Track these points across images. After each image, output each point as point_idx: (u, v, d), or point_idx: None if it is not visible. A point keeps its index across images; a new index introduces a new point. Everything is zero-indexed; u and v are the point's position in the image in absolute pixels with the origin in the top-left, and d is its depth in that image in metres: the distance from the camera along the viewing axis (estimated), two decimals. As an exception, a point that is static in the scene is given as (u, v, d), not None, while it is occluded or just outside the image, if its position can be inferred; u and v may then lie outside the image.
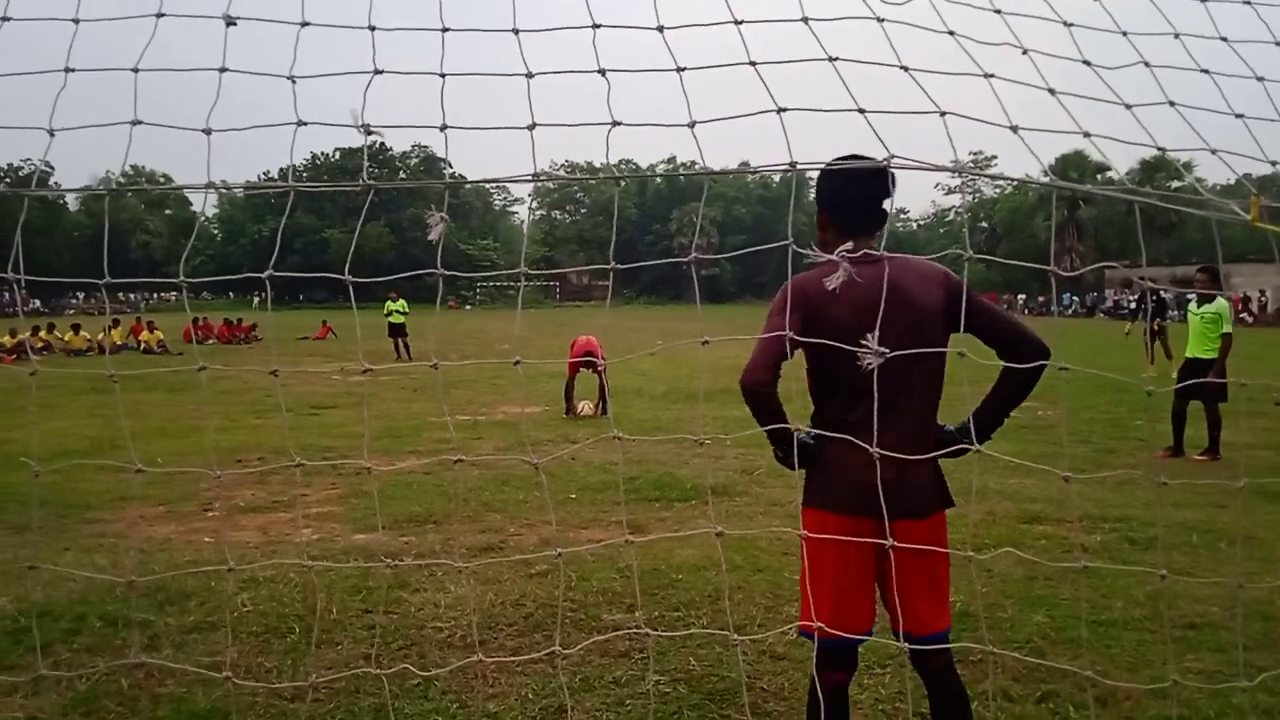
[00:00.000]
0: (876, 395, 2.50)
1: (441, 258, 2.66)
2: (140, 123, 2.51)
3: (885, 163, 2.48)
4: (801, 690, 2.98)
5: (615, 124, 2.45)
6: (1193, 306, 9.98)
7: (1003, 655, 3.98)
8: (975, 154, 76.20)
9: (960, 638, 2.75)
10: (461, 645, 4.45)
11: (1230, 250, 52.01)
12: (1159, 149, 2.62)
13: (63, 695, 3.91)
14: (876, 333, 2.47)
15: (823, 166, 2.71)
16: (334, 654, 4.38)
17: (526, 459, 3.42)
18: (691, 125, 2.48)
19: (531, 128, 2.45)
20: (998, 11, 2.68)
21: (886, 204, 2.78)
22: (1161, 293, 17.84)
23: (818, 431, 2.75)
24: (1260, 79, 2.73)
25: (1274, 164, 2.63)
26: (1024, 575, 5.33)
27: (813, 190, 2.96)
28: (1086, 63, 2.54)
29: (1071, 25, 2.68)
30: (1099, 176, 56.25)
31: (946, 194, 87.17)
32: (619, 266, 2.64)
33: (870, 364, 2.48)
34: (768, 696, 3.92)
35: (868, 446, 2.46)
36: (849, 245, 2.64)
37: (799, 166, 2.38)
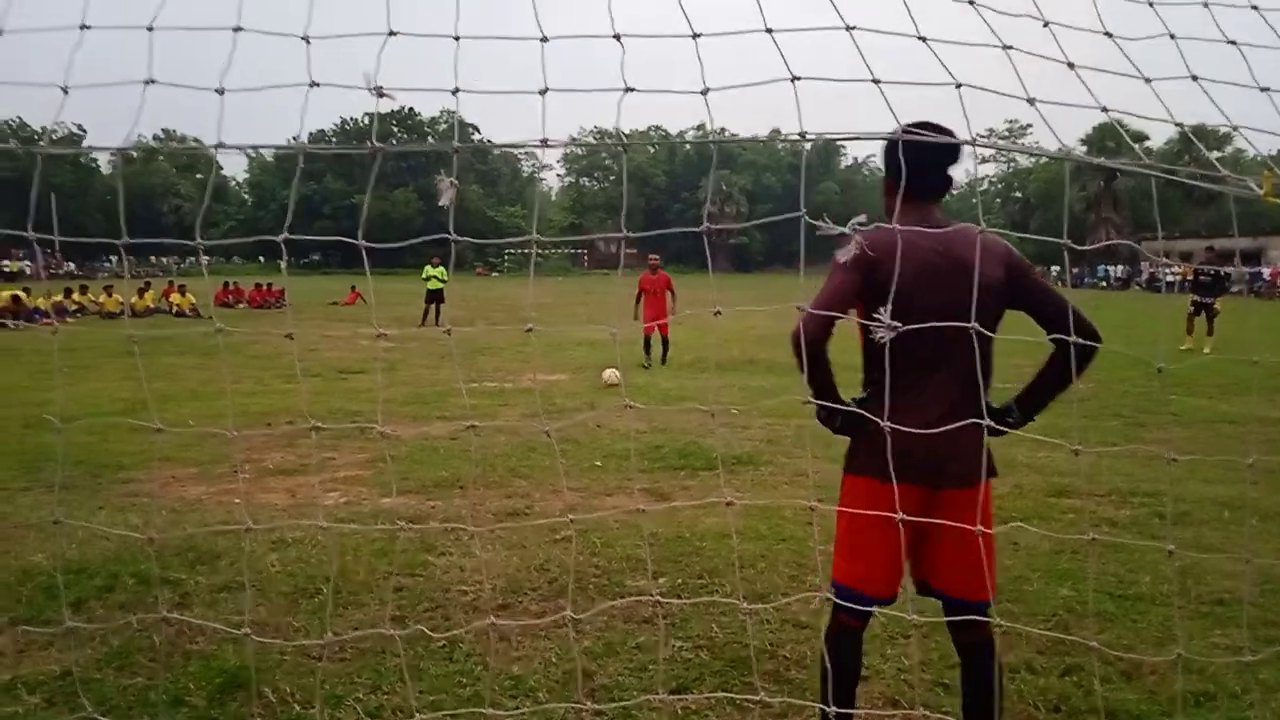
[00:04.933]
0: (920, 365, 2.49)
1: (468, 224, 2.65)
2: (153, 82, 2.50)
3: (897, 134, 2.45)
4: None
5: (628, 90, 2.43)
6: None
7: (1027, 629, 3.96)
8: (1010, 123, 75.27)
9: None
10: (486, 609, 4.49)
11: (1268, 222, 51.05)
12: (1177, 124, 2.57)
13: (96, 650, 3.98)
14: (889, 306, 2.45)
15: (840, 137, 2.67)
16: (361, 615, 4.43)
17: (542, 427, 3.42)
18: (704, 92, 2.45)
19: (543, 92, 2.43)
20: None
21: (952, 170, 2.75)
22: (1219, 269, 17.51)
23: (853, 407, 2.72)
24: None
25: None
26: (1050, 549, 5.29)
27: (842, 159, 2.93)
28: (1108, 34, 2.48)
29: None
30: (1136, 146, 55.35)
31: (980, 163, 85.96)
32: (630, 234, 2.61)
33: (881, 337, 2.46)
34: (789, 664, 3.93)
35: (905, 416, 2.45)
36: (862, 218, 2.60)
37: (809, 137, 2.35)
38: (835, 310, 2.62)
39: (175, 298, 29.11)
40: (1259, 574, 4.79)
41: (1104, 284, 60.38)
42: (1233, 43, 2.67)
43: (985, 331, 2.52)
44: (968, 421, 2.56)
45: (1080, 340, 2.58)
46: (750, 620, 4.28)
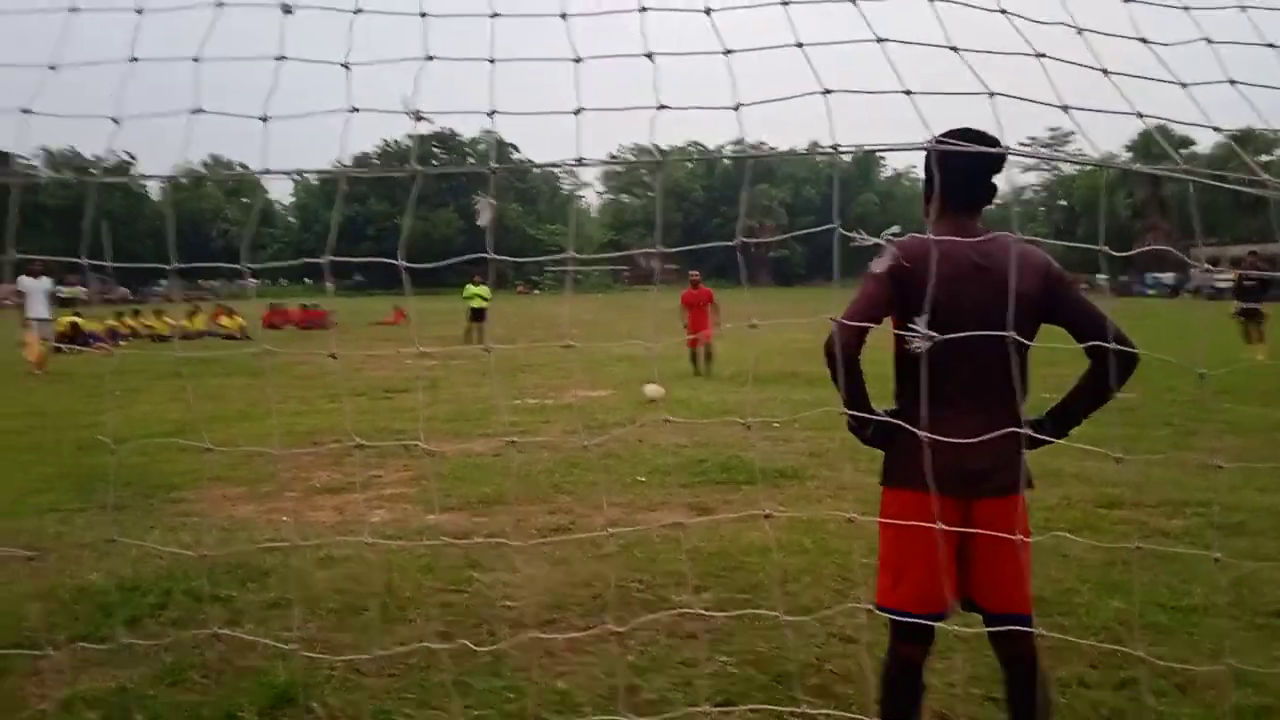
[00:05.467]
0: (957, 376, 2.49)
1: (508, 242, 2.70)
2: (201, 111, 2.58)
3: (930, 144, 2.45)
4: (871, 673, 2.96)
5: (661, 107, 2.46)
6: None
7: (1079, 641, 3.90)
8: (1053, 130, 74.45)
9: (1036, 624, 2.72)
10: (531, 624, 4.51)
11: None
12: (1215, 129, 2.54)
13: (151, 666, 4.06)
14: (926, 315, 2.44)
15: (858, 150, 2.69)
16: (407, 631, 4.48)
17: (583, 442, 3.44)
18: (737, 108, 2.47)
19: (577, 113, 2.47)
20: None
21: (996, 180, 2.73)
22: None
23: (884, 417, 2.71)
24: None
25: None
26: (1100, 560, 5.21)
27: (882, 170, 2.93)
28: (1143, 40, 2.46)
29: (1130, 1, 2.60)
30: (1181, 150, 54.45)
31: (1023, 172, 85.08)
32: (664, 250, 2.64)
33: (917, 347, 2.45)
34: (836, 679, 3.90)
35: (934, 429, 2.43)
36: (895, 229, 2.61)
37: (842, 149, 2.36)
38: (867, 320, 2.62)
39: (224, 320, 29.65)
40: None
41: (1152, 292, 59.35)
42: (1271, 45, 2.64)
43: (1023, 340, 2.51)
44: (1005, 431, 2.53)
45: (1117, 347, 2.55)
46: (794, 634, 4.25)
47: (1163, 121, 2.68)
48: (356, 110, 2.56)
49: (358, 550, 5.49)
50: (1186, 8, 2.70)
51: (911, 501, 2.67)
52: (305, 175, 6.06)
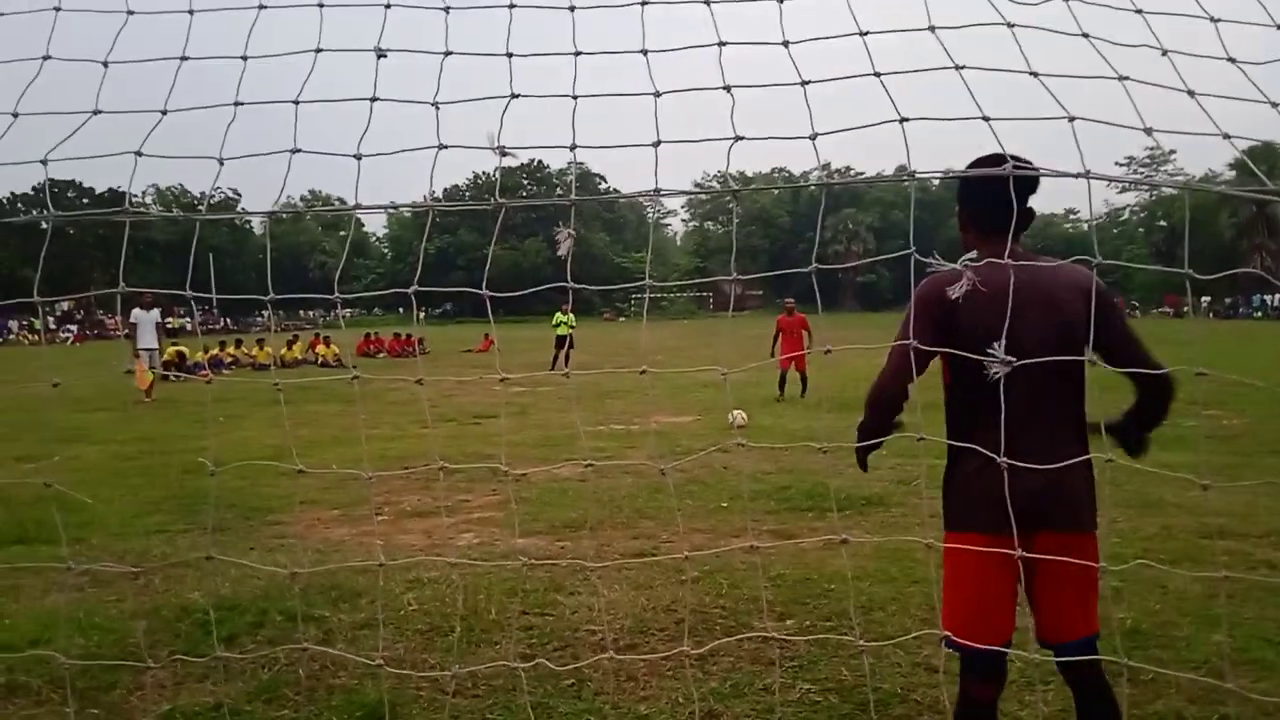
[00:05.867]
0: (1011, 406, 2.46)
1: (596, 270, 2.78)
2: (299, 151, 2.74)
3: (1008, 170, 2.43)
4: (951, 703, 2.92)
5: (738, 138, 2.51)
6: None
7: (1177, 675, 3.77)
8: (1151, 149, 72.20)
9: (1132, 656, 2.62)
10: (613, 647, 4.54)
11: None
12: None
13: (246, 683, 4.21)
14: (1004, 340, 2.41)
15: (945, 175, 2.69)
16: (493, 652, 4.55)
17: (661, 465, 3.48)
18: (814, 137, 2.50)
19: (656, 145, 2.52)
20: (1139, 11, 2.58)
21: (1031, 202, 2.70)
22: None
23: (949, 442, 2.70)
24: None
25: None
26: (1202, 592, 5.02)
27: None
28: (1232, 60, 2.41)
29: (1218, 21, 2.55)
30: (1255, 169, 52.27)
31: (1120, 193, 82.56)
32: (740, 278, 2.68)
33: (997, 373, 2.42)
34: (921, 709, 3.84)
35: (995, 458, 2.40)
36: (973, 254, 2.59)
37: (918, 175, 2.37)
38: (912, 372, 2.61)
39: (321, 349, 30.55)
40: None
41: (1259, 314, 56.95)
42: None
43: (1095, 359, 2.47)
44: (1073, 461, 2.49)
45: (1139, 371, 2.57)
46: (878, 663, 4.20)
47: (1254, 141, 2.62)
48: (444, 146, 2.68)
49: (444, 572, 5.61)
50: (1279, 26, 2.65)
51: (972, 542, 2.63)
52: (397, 209, 6.28)
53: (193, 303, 2.89)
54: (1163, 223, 77.33)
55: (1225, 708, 3.68)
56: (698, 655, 4.22)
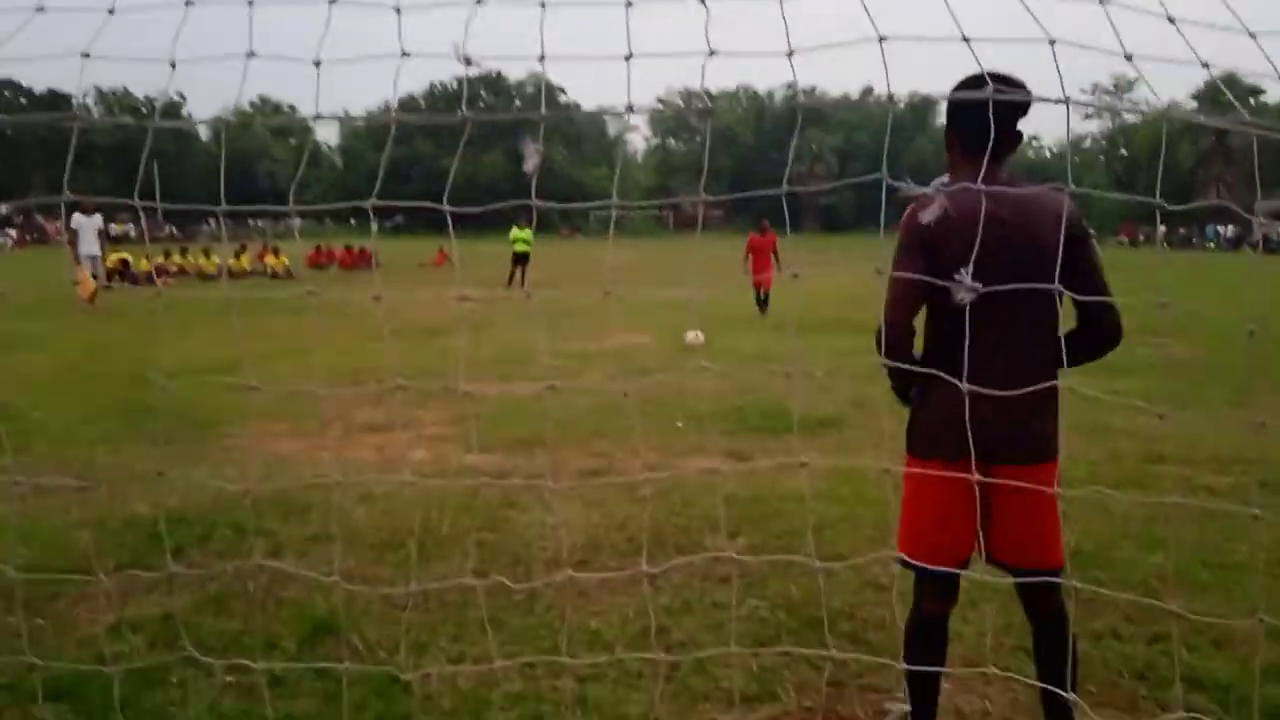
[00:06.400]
0: (980, 333, 2.44)
1: (554, 186, 2.67)
2: (254, 55, 2.58)
3: (990, 94, 2.36)
4: (901, 621, 2.96)
5: (712, 53, 2.40)
6: None
7: (1114, 594, 3.86)
8: (1117, 77, 72.25)
9: (1073, 576, 2.67)
10: (565, 564, 4.56)
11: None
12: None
13: (195, 595, 4.17)
14: (970, 267, 2.37)
15: (912, 97, 2.62)
16: (444, 568, 4.54)
17: (621, 387, 3.44)
18: (790, 54, 2.40)
19: (628, 58, 2.41)
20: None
21: (1021, 125, 2.64)
22: None
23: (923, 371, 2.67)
24: None
25: None
26: (1144, 516, 5.13)
27: (937, 116, 2.84)
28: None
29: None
30: (1251, 100, 52.77)
31: (1084, 119, 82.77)
32: (708, 198, 2.60)
33: (963, 299, 2.40)
34: (868, 626, 3.91)
35: (960, 384, 2.38)
36: (944, 178, 2.53)
37: (897, 99, 2.30)
38: (911, 302, 2.57)
39: (270, 260, 29.97)
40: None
41: (1212, 245, 57.86)
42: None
43: (1064, 290, 2.44)
44: (1038, 387, 2.47)
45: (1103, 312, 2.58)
46: (827, 581, 4.26)
47: (1229, 71, 2.57)
48: (408, 55, 2.54)
49: (397, 488, 5.58)
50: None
51: (936, 468, 2.65)
52: (357, 120, 6.06)
53: (141, 211, 2.74)
54: (1124, 151, 77.87)
55: (1158, 626, 3.78)
56: (651, 573, 4.24)
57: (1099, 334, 2.68)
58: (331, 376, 9.74)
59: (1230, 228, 58.97)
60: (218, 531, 4.98)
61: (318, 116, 2.66)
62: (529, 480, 5.76)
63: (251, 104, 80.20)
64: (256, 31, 2.55)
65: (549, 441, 7.04)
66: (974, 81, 2.52)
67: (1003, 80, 2.48)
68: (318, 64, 2.53)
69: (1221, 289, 20.80)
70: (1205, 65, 2.40)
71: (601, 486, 5.68)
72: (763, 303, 17.02)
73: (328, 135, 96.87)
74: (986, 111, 2.39)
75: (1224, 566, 4.44)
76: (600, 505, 5.46)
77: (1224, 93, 2.80)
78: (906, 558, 2.75)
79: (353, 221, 66.91)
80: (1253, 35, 2.43)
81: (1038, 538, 2.66)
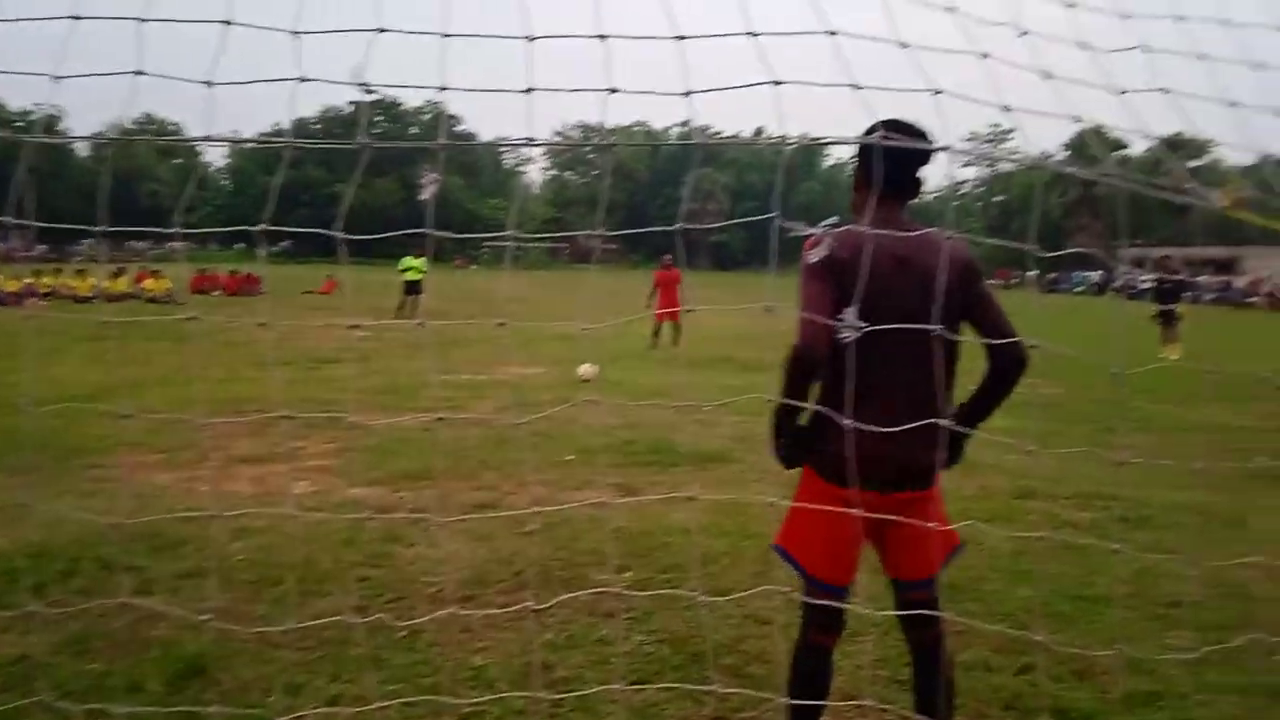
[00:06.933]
0: (875, 372, 2.54)
1: (449, 215, 2.66)
2: (143, 73, 2.51)
3: (877, 139, 2.48)
4: (784, 654, 3.03)
5: (612, 90, 2.45)
6: None
7: (985, 626, 4.01)
8: (994, 127, 75.67)
9: (946, 609, 2.79)
10: (450, 600, 4.50)
11: (1242, 234, 51.58)
12: (1146, 136, 2.63)
13: (55, 635, 3.96)
14: (856, 305, 2.47)
15: (818, 142, 2.72)
16: (324, 604, 4.43)
17: (512, 420, 3.44)
18: (687, 94, 2.47)
19: (528, 91, 2.44)
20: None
21: (923, 172, 2.78)
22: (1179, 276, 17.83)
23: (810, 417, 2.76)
24: (1259, 65, 2.72)
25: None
26: (1012, 550, 5.35)
27: (826, 159, 2.95)
28: (1084, 45, 2.52)
29: (1073, 5, 2.66)
30: (1116, 153, 55.87)
31: (963, 166, 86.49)
32: (605, 233, 2.65)
33: (846, 338, 2.49)
34: (750, 659, 3.96)
35: (860, 420, 2.47)
36: (833, 220, 2.65)
37: (789, 140, 2.39)
38: (828, 317, 2.65)
39: (149, 283, 28.86)
40: (1215, 577, 4.86)
41: (1080, 289, 60.79)
42: (1204, 57, 2.72)
43: (951, 335, 2.56)
44: (924, 422, 2.59)
45: (1004, 342, 2.66)
46: (711, 615, 4.31)
47: (1098, 125, 2.74)
48: (305, 80, 2.51)
49: (276, 522, 5.42)
50: (1125, 16, 2.77)
51: (825, 490, 2.74)
52: (250, 143, 5.93)
53: (12, 228, 2.63)
54: (999, 197, 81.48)
55: (1026, 657, 3.94)
56: (537, 609, 4.22)
57: (1007, 364, 2.77)
58: (211, 405, 9.42)
59: (1096, 273, 62.17)
60: (82, 567, 4.75)
61: (207, 139, 2.59)
62: (414, 514, 5.67)
63: (136, 122, 77.35)
64: (156, 52, 2.50)
65: (436, 474, 6.95)
66: (883, 127, 2.64)
67: (906, 128, 2.62)
68: (210, 85, 2.48)
69: (1086, 332, 21.90)
70: (1076, 119, 2.56)
71: (489, 520, 5.63)
72: (657, 334, 17.63)
73: (215, 157, 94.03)
74: (892, 157, 2.54)
75: (1086, 599, 4.65)
76: (487, 539, 5.41)
77: (1090, 145, 2.98)
78: (789, 553, 2.86)
79: (239, 246, 64.88)
80: (1121, 92, 2.61)
81: (928, 551, 2.79)
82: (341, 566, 4.88)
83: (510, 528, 5.59)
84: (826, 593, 2.80)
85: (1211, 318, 31.87)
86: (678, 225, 2.60)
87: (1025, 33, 2.61)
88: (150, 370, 11.92)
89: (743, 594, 4.06)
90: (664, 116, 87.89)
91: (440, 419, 4.48)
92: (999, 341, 2.71)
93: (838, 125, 2.83)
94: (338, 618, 3.80)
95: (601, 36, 2.50)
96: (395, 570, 4.93)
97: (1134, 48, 2.72)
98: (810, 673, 2.90)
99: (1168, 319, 17.29)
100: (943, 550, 2.87)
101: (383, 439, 8.09)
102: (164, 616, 4.08)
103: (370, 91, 2.54)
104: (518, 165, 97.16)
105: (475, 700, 3.48)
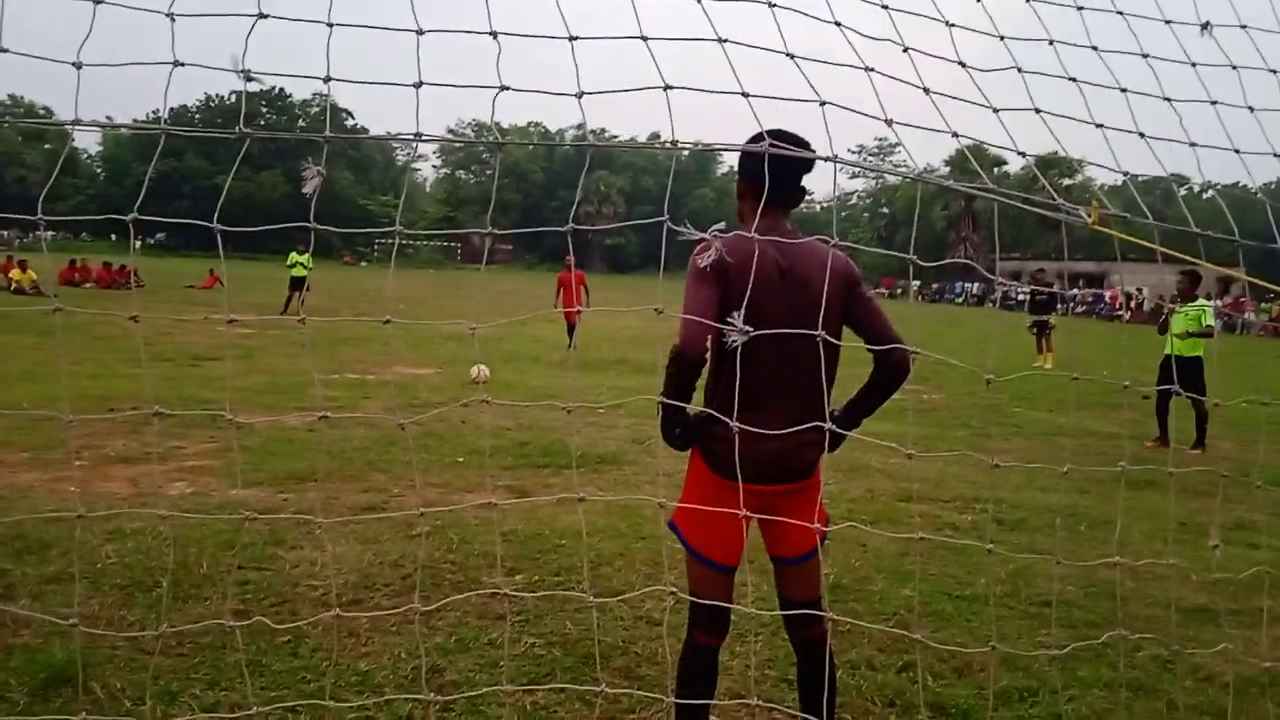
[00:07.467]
0: (757, 374, 2.59)
1: (339, 211, 2.59)
2: (6, 50, 2.36)
3: (764, 148, 2.53)
4: (673, 655, 3.05)
5: (503, 88, 2.43)
6: (1179, 305, 10.07)
7: (869, 626, 4.12)
8: (880, 140, 77.94)
9: (832, 609, 2.85)
10: (336, 604, 4.39)
11: (1110, 250, 54.24)
12: (1020, 153, 2.75)
13: (-97, 645, 3.72)
14: (742, 312, 2.52)
15: (710, 148, 2.75)
16: (201, 609, 4.27)
17: (400, 420, 3.38)
18: (580, 95, 2.46)
19: (418, 86, 2.40)
20: (884, 7, 2.74)
21: (806, 181, 2.84)
22: (1052, 289, 18.63)
23: (696, 414, 2.80)
24: (1123, 90, 2.86)
25: (1127, 174, 2.78)
26: (896, 551, 5.51)
27: (719, 166, 2.99)
28: (961, 64, 2.61)
29: (953, 26, 2.75)
30: (995, 169, 58.14)
31: (850, 178, 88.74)
32: (497, 231, 2.62)
33: (734, 342, 2.53)
34: (641, 660, 3.97)
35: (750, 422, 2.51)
36: (721, 225, 2.68)
37: (681, 146, 2.41)
38: (709, 318, 2.67)
39: (15, 274, 27.32)
40: (1084, 577, 5.10)
41: (960, 300, 63.09)
42: (1073, 80, 2.86)
43: (831, 339, 2.62)
44: (807, 427, 2.67)
45: (911, 349, 2.75)
46: (602, 617, 4.31)
47: (976, 142, 2.85)
48: (181, 65, 2.40)
49: (151, 524, 5.20)
50: (1002, 37, 2.89)
51: (715, 483, 2.81)
52: (123, 128, 5.66)
53: None
54: (885, 210, 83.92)
55: (908, 655, 4.06)
56: (424, 611, 4.15)
57: (891, 367, 2.86)
58: (81, 402, 8.98)
59: (975, 285, 64.64)
60: (-64, 572, 4.47)
61: (76, 122, 2.46)
62: (298, 515, 5.51)
63: (1, 104, 73.24)
64: (7, 24, 2.35)
65: (321, 475, 6.77)
66: (767, 136, 2.68)
67: (790, 138, 2.66)
68: (78, 66, 2.35)
69: (964, 340, 22.74)
70: (955, 135, 2.65)
71: (376, 522, 5.52)
72: (572, 334, 17.47)
73: (88, 143, 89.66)
74: (776, 166, 2.58)
75: (965, 598, 4.82)
76: (375, 542, 5.30)
77: (970, 161, 3.09)
78: (680, 532, 2.91)
79: (114, 237, 62.01)
80: (996, 111, 2.71)
81: (805, 530, 2.85)
82: (220, 570, 4.72)
83: (399, 530, 5.49)
84: (714, 571, 2.86)
85: (1082, 328, 33.51)
86: (569, 226, 2.60)
87: (907, 49, 2.69)
88: (14, 365, 11.30)
89: (633, 594, 4.08)
90: (559, 119, 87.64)
91: (325, 417, 4.37)
92: (883, 347, 2.79)
93: (730, 132, 2.86)
94: (216, 621, 3.66)
95: (493, 34, 2.47)
96: (278, 574, 4.78)
97: (1009, 68, 2.84)
98: (697, 673, 2.93)
99: (1042, 329, 18.08)
100: (819, 532, 2.94)
101: (265, 439, 7.84)
102: (28, 623, 3.87)
103: (251, 79, 2.44)
104: (410, 161, 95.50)
105: (361, 705, 3.40)
